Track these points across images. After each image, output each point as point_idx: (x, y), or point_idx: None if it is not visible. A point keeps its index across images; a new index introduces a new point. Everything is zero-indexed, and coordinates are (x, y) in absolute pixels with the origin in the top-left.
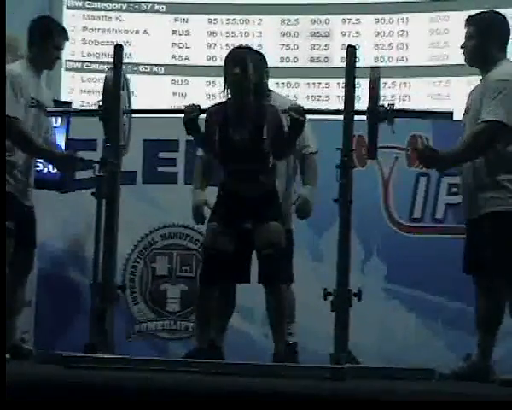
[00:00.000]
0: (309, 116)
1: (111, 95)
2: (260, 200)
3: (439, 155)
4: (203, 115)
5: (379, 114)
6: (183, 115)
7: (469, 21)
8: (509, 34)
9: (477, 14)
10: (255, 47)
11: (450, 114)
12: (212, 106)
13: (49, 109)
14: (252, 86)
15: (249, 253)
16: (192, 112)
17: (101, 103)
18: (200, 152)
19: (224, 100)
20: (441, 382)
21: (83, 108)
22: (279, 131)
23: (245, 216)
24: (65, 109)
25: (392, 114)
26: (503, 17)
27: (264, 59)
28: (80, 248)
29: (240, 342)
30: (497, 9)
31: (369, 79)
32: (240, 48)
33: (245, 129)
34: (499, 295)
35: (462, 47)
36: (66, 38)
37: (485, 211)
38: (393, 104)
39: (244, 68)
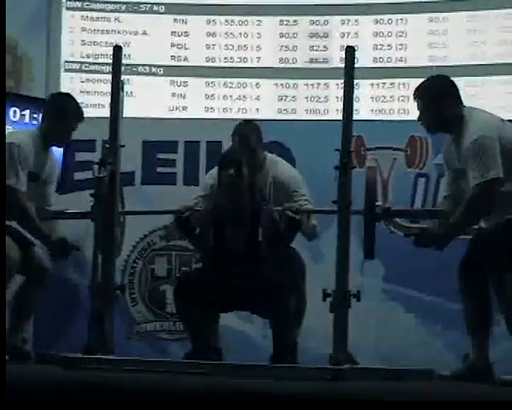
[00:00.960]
0: (309, 117)
1: (104, 197)
2: (259, 291)
3: (438, 233)
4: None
5: (376, 214)
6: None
7: (417, 95)
8: (458, 89)
9: (420, 86)
10: (254, 47)
11: (443, 211)
12: (205, 206)
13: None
14: (246, 188)
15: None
16: (185, 212)
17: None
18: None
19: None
20: (441, 382)
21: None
22: (274, 232)
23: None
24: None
25: (389, 214)
26: (446, 77)
27: (259, 132)
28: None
29: (238, 343)
30: (497, 11)
31: (365, 179)
32: (237, 129)
33: (240, 230)
34: (488, 293)
35: (418, 120)
36: (81, 120)
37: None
38: (390, 207)
39: (239, 169)
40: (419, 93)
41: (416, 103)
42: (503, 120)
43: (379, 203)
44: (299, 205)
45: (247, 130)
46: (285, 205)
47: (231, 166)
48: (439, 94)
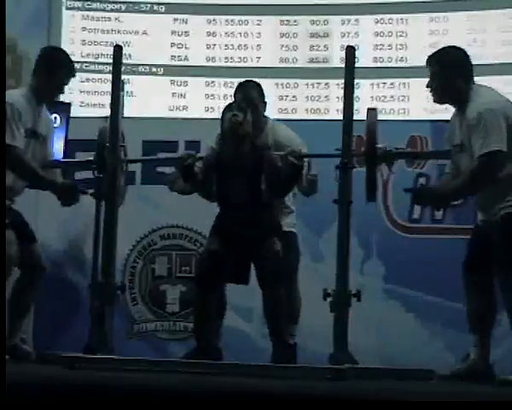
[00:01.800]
0: (309, 117)
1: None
2: (259, 237)
3: (438, 193)
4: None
5: (377, 157)
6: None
7: (430, 61)
8: (471, 67)
9: (436, 52)
10: (254, 47)
11: (449, 151)
12: (209, 153)
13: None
14: (249, 134)
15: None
16: (188, 159)
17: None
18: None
19: (220, 146)
20: (441, 382)
21: (79, 160)
22: (277, 177)
23: (243, 243)
24: (63, 160)
25: (391, 156)
26: (462, 49)
27: (262, 92)
28: (79, 248)
29: (238, 343)
30: (497, 10)
31: (366, 122)
32: (239, 87)
33: (242, 178)
34: (493, 293)
35: (427, 87)
36: (73, 75)
37: (504, 212)
38: (391, 150)
39: (242, 115)
40: (434, 59)
41: (428, 70)
42: (510, 101)
43: (380, 145)
44: (299, 153)
45: (250, 86)
46: (287, 150)
47: (235, 111)
48: (453, 62)
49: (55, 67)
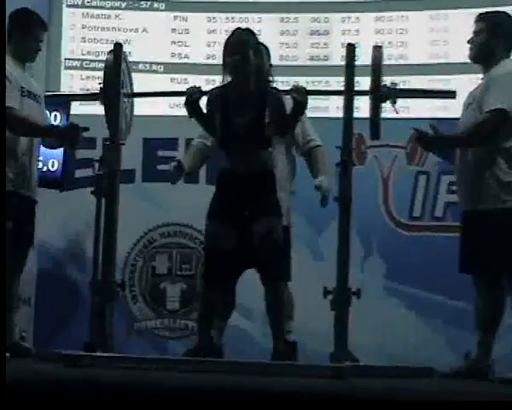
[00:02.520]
0: (310, 114)
1: (112, 77)
2: (258, 180)
3: (440, 134)
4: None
5: (382, 93)
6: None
7: (479, 18)
8: None
9: (488, 11)
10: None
11: (454, 93)
12: (214, 89)
13: (47, 94)
14: (253, 70)
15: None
16: (193, 94)
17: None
18: (195, 141)
19: (224, 83)
20: (441, 380)
21: (83, 92)
22: (281, 113)
23: (243, 201)
24: (65, 94)
25: (395, 93)
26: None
27: (266, 47)
28: (80, 246)
29: (239, 341)
30: (496, 8)
31: (371, 59)
32: (241, 31)
33: (246, 113)
34: (500, 293)
35: (468, 42)
36: (45, 29)
37: (493, 206)
38: (396, 84)
39: (245, 52)
40: (485, 17)
41: (474, 25)
42: None
43: (385, 83)
44: (304, 89)
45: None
46: (292, 85)
47: (237, 48)
48: (501, 29)
49: (27, 27)
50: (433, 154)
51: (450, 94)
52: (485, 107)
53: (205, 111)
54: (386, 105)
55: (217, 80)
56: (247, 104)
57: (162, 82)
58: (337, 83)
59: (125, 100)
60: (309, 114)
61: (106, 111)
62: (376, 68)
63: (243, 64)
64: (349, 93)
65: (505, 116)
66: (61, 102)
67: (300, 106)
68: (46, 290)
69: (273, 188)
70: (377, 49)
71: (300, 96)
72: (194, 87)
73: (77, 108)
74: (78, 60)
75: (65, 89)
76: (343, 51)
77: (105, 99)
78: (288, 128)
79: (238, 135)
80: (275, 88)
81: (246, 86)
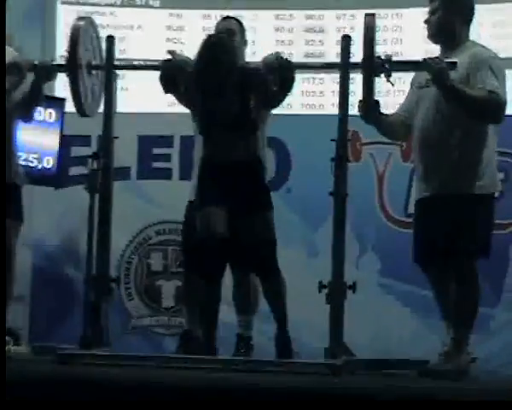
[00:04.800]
0: (305, 112)
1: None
2: (245, 170)
3: (454, 83)
4: None
5: (375, 66)
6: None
7: None
8: (473, 12)
9: None
10: (250, 42)
11: (454, 63)
12: (190, 71)
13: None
14: (234, 48)
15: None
16: (168, 69)
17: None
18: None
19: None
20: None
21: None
22: (265, 94)
23: (231, 191)
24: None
25: (390, 66)
26: None
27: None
28: (75, 243)
29: (232, 338)
30: (492, 5)
31: (363, 29)
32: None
33: (227, 96)
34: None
35: (425, 22)
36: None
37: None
38: (391, 55)
39: (229, 35)
40: None
41: (429, 6)
42: None
43: (378, 55)
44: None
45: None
46: (273, 55)
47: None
48: (457, 4)
49: None
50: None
51: (451, 65)
52: (487, 85)
53: (183, 89)
54: (382, 93)
55: None
56: (225, 86)
57: (157, 79)
58: (332, 80)
59: (93, 72)
60: (304, 110)
61: (70, 83)
62: (369, 37)
63: (227, 42)
64: (344, 90)
65: (502, 102)
66: (56, 100)
67: (288, 82)
68: (41, 287)
69: (261, 176)
70: (370, 18)
71: (287, 72)
72: (170, 60)
73: (71, 104)
74: None
75: (60, 87)
76: (338, 48)
77: (68, 70)
78: (277, 102)
79: (220, 121)
80: (257, 65)
81: (226, 65)
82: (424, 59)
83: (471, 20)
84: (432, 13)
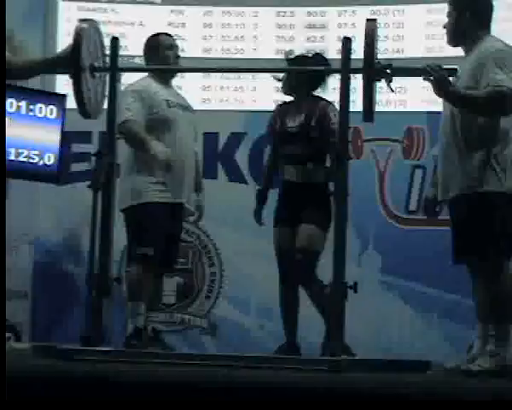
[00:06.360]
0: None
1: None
2: (308, 193)
3: (454, 88)
4: None
5: (375, 71)
6: None
7: (448, 1)
8: (491, 10)
9: None
10: (251, 38)
11: (454, 70)
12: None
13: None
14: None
15: None
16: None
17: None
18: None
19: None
20: (437, 374)
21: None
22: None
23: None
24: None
25: (390, 71)
26: None
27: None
28: (76, 240)
29: (235, 334)
30: (496, 2)
31: (364, 33)
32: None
33: (297, 119)
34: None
35: (444, 28)
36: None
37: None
38: (391, 61)
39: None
40: None
41: (448, 9)
42: None
43: (379, 59)
44: None
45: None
46: None
47: None
48: (468, 5)
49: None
50: None
51: (450, 72)
52: (492, 81)
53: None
54: (383, 90)
55: (212, 74)
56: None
57: None
58: (333, 76)
59: (97, 75)
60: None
61: (73, 85)
62: (370, 43)
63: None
64: (345, 87)
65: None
66: (57, 96)
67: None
68: (43, 284)
69: (320, 200)
70: (371, 22)
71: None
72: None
73: (73, 100)
74: None
75: (61, 82)
76: (339, 45)
77: (72, 72)
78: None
79: (290, 137)
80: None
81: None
82: (425, 66)
83: (489, 19)
84: (448, 18)
